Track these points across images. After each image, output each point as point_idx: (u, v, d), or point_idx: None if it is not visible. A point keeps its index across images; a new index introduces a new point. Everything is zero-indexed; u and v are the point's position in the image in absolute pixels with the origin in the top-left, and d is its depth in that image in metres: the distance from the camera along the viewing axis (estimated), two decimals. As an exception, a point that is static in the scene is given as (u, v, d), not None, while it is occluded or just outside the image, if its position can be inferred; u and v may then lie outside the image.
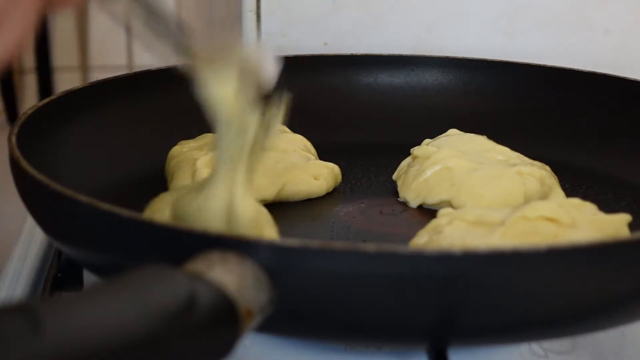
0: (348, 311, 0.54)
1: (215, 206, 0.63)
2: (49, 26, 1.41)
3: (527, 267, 0.53)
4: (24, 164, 0.65)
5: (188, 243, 0.54)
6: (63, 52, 1.44)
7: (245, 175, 0.64)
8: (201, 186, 0.66)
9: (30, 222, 0.84)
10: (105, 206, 0.58)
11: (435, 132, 0.86)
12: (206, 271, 0.50)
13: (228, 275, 0.50)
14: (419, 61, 0.95)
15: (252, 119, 0.64)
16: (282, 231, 0.69)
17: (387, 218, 0.78)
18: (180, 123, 0.87)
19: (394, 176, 0.83)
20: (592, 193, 0.81)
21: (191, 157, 0.80)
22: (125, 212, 0.57)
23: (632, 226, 0.71)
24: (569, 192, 0.80)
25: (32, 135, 0.73)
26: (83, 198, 0.59)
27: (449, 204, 0.78)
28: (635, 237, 0.56)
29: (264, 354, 0.65)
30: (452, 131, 0.86)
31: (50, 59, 1.43)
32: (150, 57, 1.44)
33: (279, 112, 0.66)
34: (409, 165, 0.82)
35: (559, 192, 0.80)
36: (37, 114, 0.75)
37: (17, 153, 0.66)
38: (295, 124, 0.79)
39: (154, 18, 0.60)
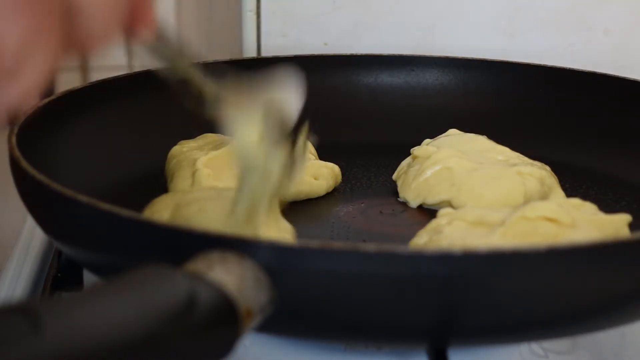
0: (348, 311, 0.54)
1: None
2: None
3: (527, 267, 0.53)
4: (24, 164, 0.65)
5: (188, 243, 0.54)
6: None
7: (266, 216, 0.64)
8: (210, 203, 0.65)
9: (30, 222, 0.84)
10: (105, 206, 0.58)
11: (435, 132, 0.86)
12: (206, 271, 0.50)
13: (228, 275, 0.50)
14: (419, 61, 0.95)
15: (276, 163, 0.64)
16: (282, 231, 0.69)
17: (387, 218, 0.78)
18: (180, 123, 0.87)
19: (394, 176, 0.83)
20: (592, 193, 0.81)
21: (191, 157, 0.80)
22: (125, 212, 0.57)
23: (632, 226, 0.71)
24: (569, 192, 0.80)
25: (32, 135, 0.73)
26: (83, 198, 0.59)
27: (449, 204, 0.78)
28: (635, 237, 0.56)
29: (264, 354, 0.65)
30: (452, 131, 0.86)
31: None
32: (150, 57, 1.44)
33: (303, 153, 0.66)
34: (409, 165, 0.82)
35: (559, 192, 0.80)
36: (37, 114, 0.75)
37: (17, 153, 0.66)
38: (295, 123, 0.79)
39: (179, 60, 0.59)
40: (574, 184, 0.83)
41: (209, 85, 0.61)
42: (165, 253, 0.56)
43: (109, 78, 0.86)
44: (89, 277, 0.71)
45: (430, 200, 0.79)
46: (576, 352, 0.66)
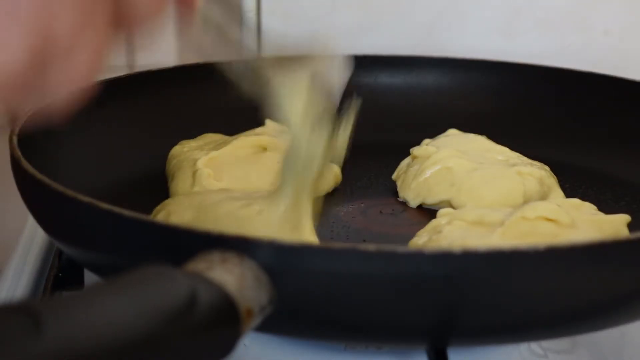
0: (348, 311, 0.54)
1: (279, 220, 0.64)
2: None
3: (526, 267, 0.53)
4: (25, 164, 0.65)
5: (188, 243, 0.54)
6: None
7: (310, 197, 0.65)
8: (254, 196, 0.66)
9: (31, 222, 0.84)
10: (106, 206, 0.58)
11: (435, 132, 0.86)
12: (206, 271, 0.50)
13: (228, 275, 0.50)
14: (419, 61, 0.95)
15: (321, 137, 0.64)
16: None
17: (387, 218, 0.78)
18: (180, 123, 0.87)
19: (394, 176, 0.83)
20: (591, 193, 0.81)
21: (192, 157, 0.80)
22: (126, 212, 0.57)
23: (631, 226, 0.71)
24: (569, 192, 0.80)
25: (33, 136, 0.73)
26: (84, 198, 0.59)
27: (448, 203, 0.78)
28: (634, 237, 0.56)
29: (264, 354, 0.65)
30: (452, 131, 0.86)
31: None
32: (150, 57, 1.44)
33: (347, 125, 0.66)
34: (409, 165, 0.82)
35: (558, 192, 0.80)
36: (38, 114, 0.75)
37: (18, 153, 0.66)
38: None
39: (226, 36, 0.59)
40: (574, 184, 0.83)
41: (255, 62, 0.61)
42: (166, 253, 0.56)
43: (109, 78, 0.86)
44: (89, 277, 0.71)
45: (430, 200, 0.79)
46: (576, 351, 0.66)
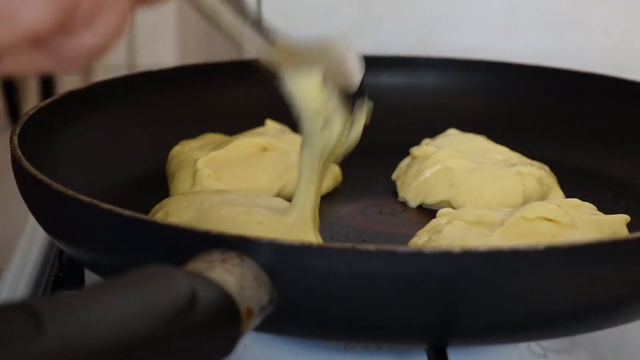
0: (348, 311, 0.54)
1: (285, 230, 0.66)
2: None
3: (526, 267, 0.53)
4: (26, 164, 0.65)
5: (188, 243, 0.54)
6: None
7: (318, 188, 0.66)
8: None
9: (31, 222, 0.84)
10: (106, 206, 0.58)
11: (435, 132, 0.86)
12: (206, 271, 0.50)
13: (228, 275, 0.50)
14: (419, 61, 0.95)
15: (338, 117, 0.65)
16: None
17: (387, 218, 0.78)
18: (180, 123, 0.87)
19: (394, 176, 0.83)
20: (591, 193, 0.81)
21: (192, 157, 0.80)
22: (126, 212, 0.57)
23: (631, 226, 0.71)
24: (568, 192, 0.80)
25: (34, 136, 0.73)
26: (84, 198, 0.59)
27: (448, 203, 0.78)
28: (634, 237, 0.56)
29: (264, 354, 0.65)
30: (452, 131, 0.86)
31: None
32: (150, 57, 1.44)
33: (362, 112, 0.67)
34: (409, 165, 0.82)
35: (558, 192, 0.80)
36: (39, 115, 0.75)
37: (19, 153, 0.66)
38: (295, 124, 0.79)
39: (240, 14, 0.59)
40: (573, 184, 0.83)
41: (268, 46, 0.61)
42: (166, 253, 0.56)
43: (109, 78, 0.86)
44: (90, 277, 0.71)
45: (430, 200, 0.79)
46: (575, 351, 0.66)
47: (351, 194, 0.82)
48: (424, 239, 0.69)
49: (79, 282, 0.71)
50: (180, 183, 0.78)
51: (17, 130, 0.71)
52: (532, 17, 1.00)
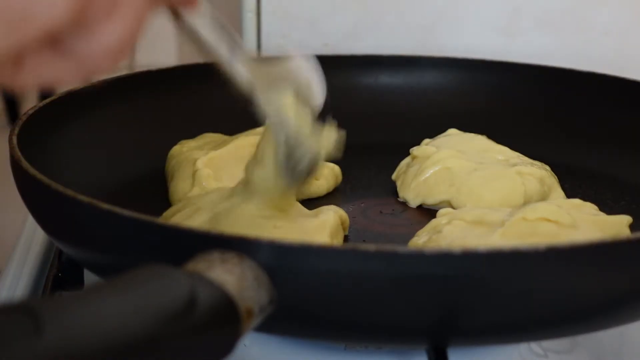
0: (348, 311, 0.54)
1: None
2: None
3: (526, 267, 0.53)
4: (25, 164, 0.65)
5: (188, 243, 0.54)
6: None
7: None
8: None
9: (31, 222, 0.84)
10: (106, 206, 0.58)
11: (435, 132, 0.86)
12: (206, 271, 0.50)
13: (228, 275, 0.50)
14: (419, 61, 0.95)
15: (312, 138, 0.65)
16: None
17: (387, 218, 0.78)
18: (180, 123, 0.87)
19: (394, 176, 0.83)
20: (592, 193, 0.81)
21: (191, 157, 0.80)
22: (126, 212, 0.57)
23: (632, 227, 0.71)
24: (569, 192, 0.80)
25: (33, 136, 0.73)
26: (84, 198, 0.59)
27: (448, 204, 0.78)
28: (634, 237, 0.56)
29: (264, 354, 0.65)
30: (452, 131, 0.86)
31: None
32: (150, 57, 1.44)
33: (330, 137, 0.67)
34: (409, 165, 0.82)
35: (559, 192, 0.80)
36: (38, 115, 0.75)
37: (18, 153, 0.66)
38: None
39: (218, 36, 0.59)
40: (574, 184, 0.83)
41: (238, 68, 0.61)
42: (166, 253, 0.56)
43: (109, 78, 0.86)
44: (89, 277, 0.71)
45: (430, 200, 0.79)
46: (576, 351, 0.66)
47: (351, 194, 0.82)
48: (424, 239, 0.69)
49: (79, 282, 0.71)
50: (180, 183, 0.78)
51: (17, 130, 0.70)
52: (532, 17, 1.00)
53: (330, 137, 0.67)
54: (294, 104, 0.64)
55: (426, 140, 0.84)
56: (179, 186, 0.78)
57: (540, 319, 0.56)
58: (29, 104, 1.42)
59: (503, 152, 0.82)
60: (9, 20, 0.43)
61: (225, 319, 0.49)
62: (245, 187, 0.68)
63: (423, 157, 0.81)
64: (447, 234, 0.67)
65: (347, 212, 0.77)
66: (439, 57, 0.95)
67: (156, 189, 0.80)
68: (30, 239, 0.83)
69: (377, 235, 0.75)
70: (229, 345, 0.49)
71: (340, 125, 0.92)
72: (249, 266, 0.51)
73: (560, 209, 0.67)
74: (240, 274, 0.51)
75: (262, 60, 0.63)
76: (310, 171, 0.66)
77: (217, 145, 0.81)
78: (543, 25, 1.00)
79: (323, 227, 0.68)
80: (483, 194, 0.77)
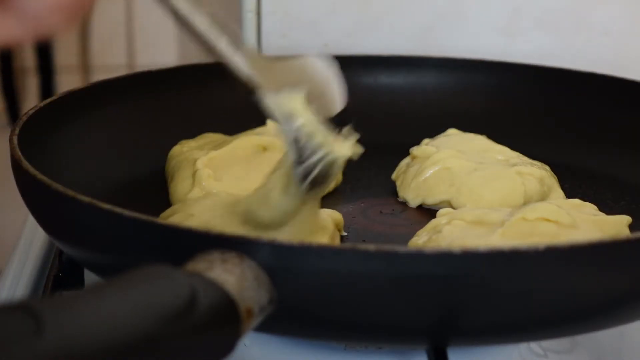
0: (348, 311, 0.54)
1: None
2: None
3: (526, 267, 0.53)
4: (25, 164, 0.65)
5: (188, 243, 0.54)
6: (64, 52, 1.44)
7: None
8: None
9: (31, 222, 0.84)
10: (106, 206, 0.58)
11: (434, 132, 0.86)
12: (206, 271, 0.50)
13: (228, 275, 0.50)
14: (419, 61, 0.95)
15: (322, 144, 0.62)
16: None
17: (387, 218, 0.78)
18: (180, 123, 0.87)
19: (393, 176, 0.83)
20: (591, 193, 0.81)
21: (191, 157, 0.80)
22: (126, 212, 0.57)
23: (632, 227, 0.71)
24: (569, 192, 0.80)
25: (34, 136, 0.73)
26: (84, 198, 0.59)
27: (448, 204, 0.78)
28: (634, 237, 0.56)
29: (264, 354, 0.65)
30: (452, 131, 0.86)
31: (52, 59, 1.43)
32: (150, 57, 1.44)
33: (348, 141, 0.64)
34: (409, 165, 0.82)
35: (558, 192, 0.80)
36: (39, 115, 0.75)
37: (19, 153, 0.66)
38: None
39: (216, 29, 0.58)
40: (574, 184, 0.83)
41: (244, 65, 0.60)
42: (166, 253, 0.56)
43: (109, 78, 0.86)
44: (89, 277, 0.71)
45: (430, 200, 0.79)
46: (576, 351, 0.66)
47: (351, 194, 0.82)
48: (424, 239, 0.69)
49: (79, 282, 0.71)
50: (180, 183, 0.78)
51: (17, 130, 0.71)
52: (532, 17, 1.00)
53: (347, 142, 0.64)
54: (305, 104, 0.62)
55: (426, 140, 0.84)
56: (179, 186, 0.78)
57: (540, 319, 0.56)
58: (29, 104, 1.43)
59: (503, 152, 0.82)
60: None
61: (226, 319, 0.49)
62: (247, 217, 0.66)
63: (423, 157, 0.81)
64: (447, 234, 0.67)
65: (347, 212, 0.78)
66: (439, 57, 0.95)
67: (156, 189, 0.80)
68: (31, 239, 0.83)
69: (377, 235, 0.75)
70: (229, 345, 0.49)
71: (340, 125, 0.93)
72: (249, 266, 0.51)
73: (560, 209, 0.67)
74: (240, 274, 0.51)
75: (276, 58, 0.62)
76: (326, 177, 0.63)
77: (217, 145, 0.81)
78: (543, 25, 1.00)
79: (323, 231, 0.68)
80: (483, 194, 0.77)
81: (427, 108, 0.94)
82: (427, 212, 0.78)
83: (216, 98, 0.89)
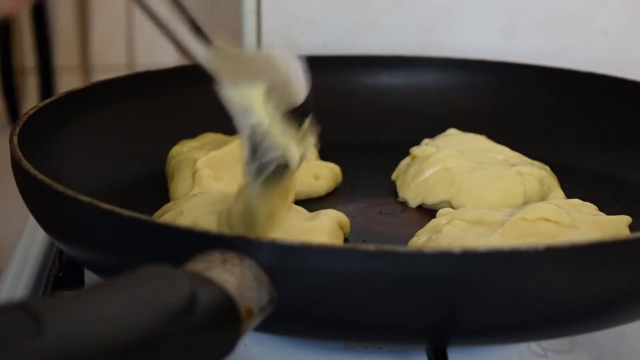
0: (348, 311, 0.54)
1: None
2: (51, 25, 1.41)
3: (526, 267, 0.53)
4: (25, 164, 0.65)
5: (188, 243, 0.54)
6: (64, 52, 1.44)
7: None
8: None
9: (31, 222, 0.84)
10: (106, 206, 0.58)
11: (434, 132, 0.86)
12: (206, 271, 0.50)
13: (228, 275, 0.50)
14: (419, 61, 0.95)
15: (281, 137, 0.62)
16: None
17: (387, 218, 0.78)
18: (180, 123, 0.87)
19: (393, 176, 0.83)
20: (591, 193, 0.81)
21: (191, 157, 0.80)
22: (126, 212, 0.57)
23: (632, 227, 0.71)
24: (569, 192, 0.80)
25: (34, 136, 0.73)
26: (84, 198, 0.59)
27: (448, 203, 0.78)
28: (634, 237, 0.56)
29: (264, 354, 0.65)
30: (452, 131, 0.86)
31: (51, 59, 1.43)
32: (150, 57, 1.44)
33: (308, 132, 0.64)
34: (408, 165, 0.82)
35: (558, 192, 0.80)
36: (38, 115, 0.75)
37: (19, 153, 0.66)
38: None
39: (179, 13, 0.57)
40: (574, 184, 0.83)
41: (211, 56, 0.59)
42: (166, 253, 0.56)
43: (109, 78, 0.86)
44: (90, 277, 0.71)
45: (430, 200, 0.79)
46: (575, 351, 0.66)
47: (351, 194, 0.82)
48: (424, 239, 0.69)
49: (79, 282, 0.71)
50: (180, 183, 0.78)
51: (17, 130, 0.71)
52: (532, 17, 1.00)
53: (301, 146, 0.63)
54: (264, 99, 0.61)
55: (426, 140, 0.84)
56: (179, 186, 0.78)
57: (540, 318, 0.56)
58: (29, 104, 1.43)
59: (503, 152, 0.82)
60: None
61: (226, 319, 0.49)
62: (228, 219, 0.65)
63: (423, 157, 0.81)
64: (447, 234, 0.67)
65: (347, 212, 0.77)
66: (439, 57, 0.95)
67: (156, 189, 0.80)
68: (31, 239, 0.83)
69: (377, 235, 0.75)
70: (229, 345, 0.49)
71: (340, 125, 0.93)
72: (249, 266, 0.51)
73: (560, 209, 0.68)
74: (240, 274, 0.51)
75: (240, 51, 0.61)
76: (281, 175, 0.62)
77: (217, 145, 0.81)
78: (543, 25, 1.00)
79: (320, 231, 0.67)
80: (483, 194, 0.77)
81: (427, 108, 0.94)
82: (427, 212, 0.78)
83: (216, 98, 0.88)
